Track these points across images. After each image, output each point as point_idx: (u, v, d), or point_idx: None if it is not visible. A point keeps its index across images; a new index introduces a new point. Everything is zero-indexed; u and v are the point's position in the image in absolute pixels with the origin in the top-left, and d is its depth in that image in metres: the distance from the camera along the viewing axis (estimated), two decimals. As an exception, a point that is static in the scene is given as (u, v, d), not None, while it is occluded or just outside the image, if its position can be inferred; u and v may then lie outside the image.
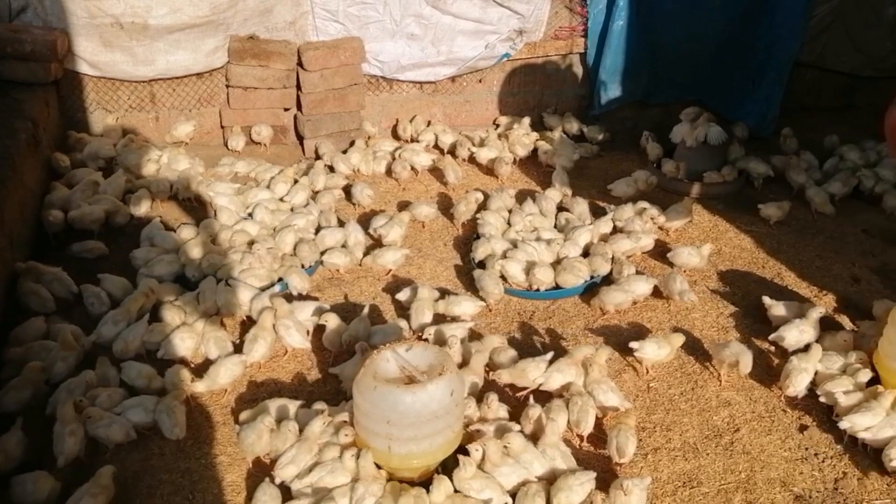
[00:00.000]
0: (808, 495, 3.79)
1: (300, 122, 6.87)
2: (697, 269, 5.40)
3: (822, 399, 4.19)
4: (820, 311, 4.62)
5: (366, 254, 5.43)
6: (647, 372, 4.53)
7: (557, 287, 5.17)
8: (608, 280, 5.21)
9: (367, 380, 3.43)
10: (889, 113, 3.56)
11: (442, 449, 3.52)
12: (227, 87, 6.71)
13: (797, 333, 4.50)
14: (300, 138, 6.97)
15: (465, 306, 4.79)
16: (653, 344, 4.45)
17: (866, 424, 3.90)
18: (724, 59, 7.44)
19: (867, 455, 3.99)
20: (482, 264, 5.27)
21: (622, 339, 4.79)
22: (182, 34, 6.22)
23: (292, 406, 3.96)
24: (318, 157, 6.72)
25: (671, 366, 4.59)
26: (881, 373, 4.18)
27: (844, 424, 3.94)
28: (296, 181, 6.14)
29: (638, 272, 5.23)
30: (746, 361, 4.33)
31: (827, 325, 4.70)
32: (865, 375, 4.19)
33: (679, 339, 4.54)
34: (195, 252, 5.06)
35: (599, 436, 4.01)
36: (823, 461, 3.97)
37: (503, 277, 5.17)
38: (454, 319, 4.76)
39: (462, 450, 3.62)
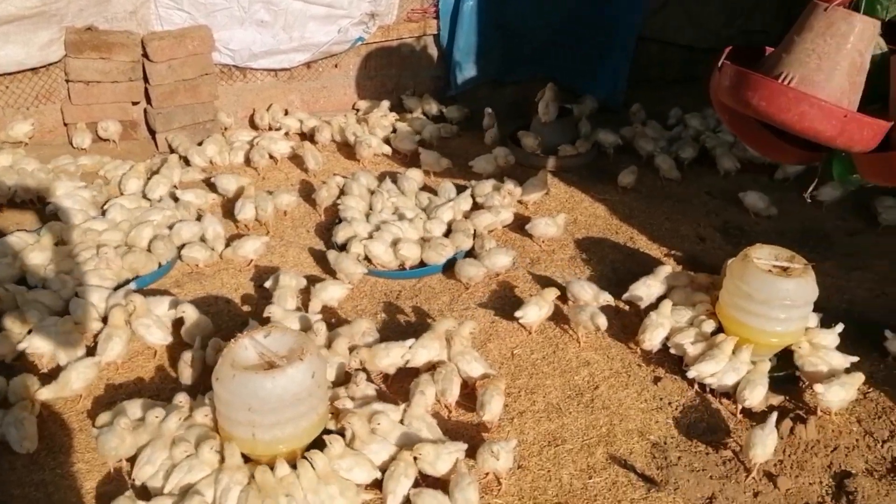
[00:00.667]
0: (663, 442, 4.01)
1: (150, 115, 6.61)
2: (555, 238, 5.59)
3: (672, 351, 4.44)
4: (667, 270, 4.89)
5: (226, 245, 5.30)
6: (530, 334, 4.73)
7: (422, 265, 5.22)
8: (471, 255, 5.31)
9: (226, 368, 3.36)
10: (711, 83, 3.79)
11: (308, 432, 3.51)
12: (68, 81, 6.36)
13: (645, 289, 4.74)
14: (152, 133, 6.71)
15: (334, 290, 4.76)
16: (533, 307, 4.64)
17: (711, 371, 4.17)
18: (572, 35, 7.70)
19: (715, 399, 4.27)
20: (344, 248, 5.25)
21: (487, 309, 4.91)
22: (10, 27, 5.84)
23: (152, 404, 3.83)
24: (172, 151, 6.49)
25: (533, 332, 4.74)
26: (723, 321, 4.46)
27: (692, 373, 4.20)
28: (150, 177, 5.90)
29: (498, 246, 5.36)
30: (602, 321, 4.53)
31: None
32: (710, 326, 4.46)
33: (553, 293, 4.73)
34: (36, 258, 4.78)
35: (472, 406, 4.10)
36: (676, 409, 4.21)
37: (368, 259, 5.18)
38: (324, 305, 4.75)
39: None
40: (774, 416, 3.73)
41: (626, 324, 4.79)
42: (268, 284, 4.85)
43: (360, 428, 3.58)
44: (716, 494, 3.71)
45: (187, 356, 4.14)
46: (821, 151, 4.02)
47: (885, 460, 3.93)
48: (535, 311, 4.64)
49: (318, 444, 3.54)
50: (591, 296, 4.74)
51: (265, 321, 4.37)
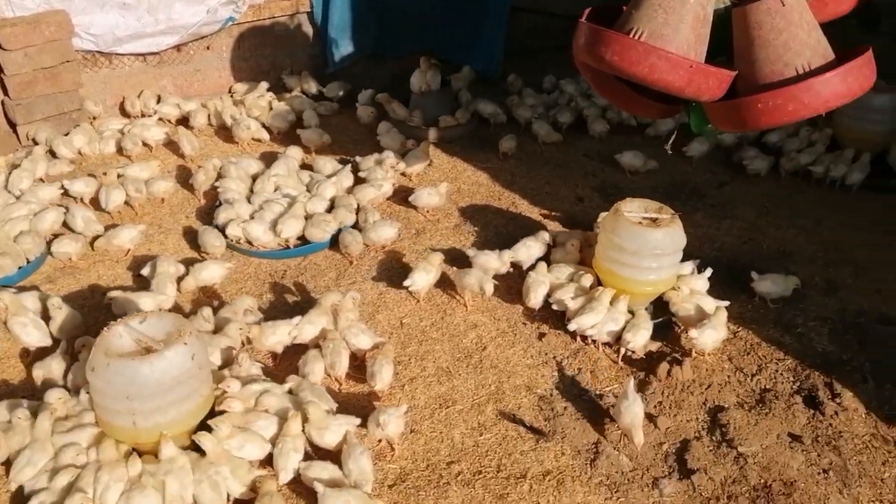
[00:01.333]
0: (549, 394, 4.14)
1: (9, 107, 6.25)
2: (438, 207, 5.65)
3: (555, 307, 4.58)
4: (545, 237, 5.01)
5: (99, 237, 5.11)
6: (419, 302, 4.78)
7: (306, 242, 5.18)
8: (357, 229, 5.29)
9: (99, 357, 3.26)
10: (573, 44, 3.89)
11: (192, 415, 3.45)
12: None
13: (526, 250, 4.86)
14: (12, 125, 6.35)
15: (213, 270, 4.67)
16: (422, 273, 4.68)
17: (591, 322, 4.32)
18: (447, 8, 7.74)
19: (597, 350, 4.43)
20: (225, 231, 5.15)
21: (375, 281, 4.92)
22: None
23: (16, 404, 3.64)
24: (36, 144, 6.17)
25: (420, 300, 4.79)
26: (600, 275, 4.62)
27: (573, 326, 4.34)
28: (12, 169, 5.61)
29: (383, 218, 5.37)
30: (489, 286, 4.62)
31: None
32: (588, 280, 4.62)
33: (438, 257, 4.80)
34: None
35: (363, 377, 4.12)
36: (561, 362, 4.35)
37: (249, 242, 5.11)
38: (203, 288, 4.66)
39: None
40: (632, 382, 3.82)
41: (511, 285, 4.89)
42: (145, 272, 4.71)
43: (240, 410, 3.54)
44: (600, 439, 3.87)
45: (55, 355, 3.98)
46: (679, 105, 4.21)
47: (754, 392, 4.19)
48: (424, 277, 4.69)
49: (206, 427, 3.48)
50: (499, 263, 4.82)
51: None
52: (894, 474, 3.74)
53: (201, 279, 4.64)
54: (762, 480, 3.67)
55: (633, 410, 3.73)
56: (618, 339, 4.31)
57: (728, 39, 3.70)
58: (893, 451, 3.86)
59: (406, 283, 4.68)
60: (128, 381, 3.22)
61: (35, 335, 4.13)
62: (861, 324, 4.71)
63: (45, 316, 4.24)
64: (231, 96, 7.18)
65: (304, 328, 4.21)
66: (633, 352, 4.32)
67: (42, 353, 4.10)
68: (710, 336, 4.26)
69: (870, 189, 6.17)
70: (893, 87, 6.24)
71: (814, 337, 4.60)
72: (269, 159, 6.09)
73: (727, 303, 4.53)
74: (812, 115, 3.52)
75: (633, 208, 4.49)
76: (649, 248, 4.32)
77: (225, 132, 6.66)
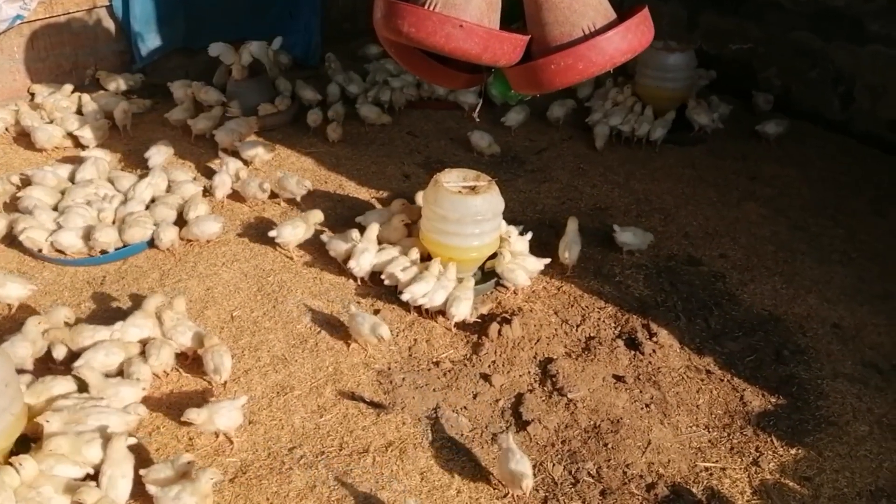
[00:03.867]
0: (387, 368, 4.18)
1: None
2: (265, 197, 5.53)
3: (387, 282, 4.61)
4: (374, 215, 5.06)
5: None
6: (293, 259, 4.93)
7: (124, 245, 4.94)
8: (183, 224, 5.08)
9: None
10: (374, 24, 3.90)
11: (5, 434, 3.22)
12: None
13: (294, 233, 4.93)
14: None
15: (11, 289, 4.34)
16: (288, 226, 4.85)
17: (422, 292, 4.39)
18: (259, -3, 7.57)
19: (431, 320, 4.51)
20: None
21: (202, 277, 4.77)
22: None
23: None
24: None
25: (250, 291, 4.69)
26: (428, 247, 4.70)
27: (405, 296, 4.40)
28: None
29: (207, 214, 5.19)
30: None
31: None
32: (415, 253, 4.69)
33: (317, 216, 5.02)
34: None
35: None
36: (398, 335, 4.40)
37: (61, 251, 4.82)
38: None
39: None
40: (510, 438, 3.52)
41: (340, 266, 4.87)
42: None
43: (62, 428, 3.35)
44: (439, 404, 3.95)
45: None
46: (482, 73, 4.33)
47: (579, 341, 4.42)
48: (290, 231, 4.84)
49: (24, 441, 3.28)
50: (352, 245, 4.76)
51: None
52: (707, 399, 4.07)
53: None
54: (591, 422, 3.89)
55: (522, 466, 3.37)
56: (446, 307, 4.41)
57: (520, 5, 3.84)
58: (706, 379, 4.19)
59: (272, 233, 4.85)
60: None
61: None
62: (672, 266, 5.07)
63: None
64: (30, 99, 6.68)
65: (128, 330, 4.03)
66: (462, 321, 4.44)
67: None
68: (521, 276, 4.61)
69: (673, 143, 6.61)
70: (685, 46, 6.71)
71: (631, 284, 4.91)
72: (78, 163, 5.71)
73: (548, 260, 4.75)
74: (601, 72, 3.72)
75: (451, 178, 4.59)
76: (471, 215, 4.44)
77: (26, 139, 6.20)
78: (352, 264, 4.62)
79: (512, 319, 4.42)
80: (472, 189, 4.53)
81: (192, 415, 3.52)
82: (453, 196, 4.43)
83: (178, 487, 3.15)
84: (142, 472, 3.29)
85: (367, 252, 4.61)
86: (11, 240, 4.94)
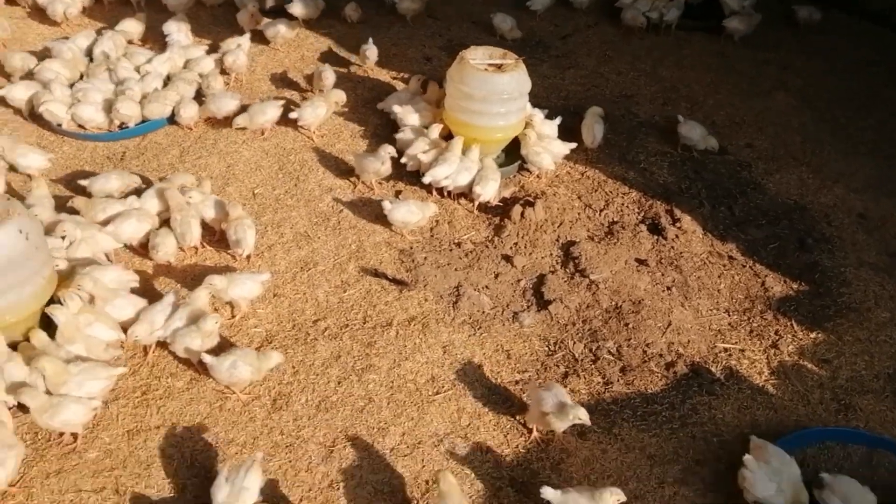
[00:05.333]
0: (409, 247, 4.19)
1: None
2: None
3: (409, 166, 4.55)
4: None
5: None
6: (313, 137, 4.88)
7: (144, 120, 4.88)
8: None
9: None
10: None
11: (35, 298, 3.26)
12: None
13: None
14: None
15: (31, 159, 4.33)
16: (308, 107, 4.75)
17: (445, 174, 4.34)
18: None
19: (453, 201, 4.49)
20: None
21: (222, 155, 4.73)
22: None
23: None
24: None
25: (272, 169, 4.66)
26: (451, 126, 4.62)
27: (427, 178, 4.36)
28: None
29: (224, 90, 5.10)
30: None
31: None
32: (436, 130, 4.60)
33: (339, 95, 4.93)
34: None
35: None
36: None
37: (81, 126, 4.77)
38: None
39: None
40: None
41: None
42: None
43: (101, 289, 3.39)
44: (461, 283, 3.97)
45: None
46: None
47: (602, 226, 4.39)
48: (311, 112, 4.73)
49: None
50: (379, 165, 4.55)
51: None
52: (728, 284, 4.07)
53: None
54: (613, 303, 3.91)
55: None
56: (472, 188, 4.37)
57: None
58: (727, 265, 4.18)
59: (292, 115, 4.72)
60: (-44, 266, 2.99)
61: None
62: (697, 155, 4.98)
63: None
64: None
65: (148, 201, 4.02)
66: (487, 202, 4.41)
67: None
68: (546, 159, 4.54)
69: (702, 31, 6.40)
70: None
71: (655, 171, 4.84)
72: (94, 38, 5.57)
73: (574, 145, 4.68)
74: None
75: (477, 56, 4.47)
76: (497, 93, 4.34)
77: (40, 13, 6.03)
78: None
79: (535, 202, 4.39)
80: (499, 67, 4.41)
81: (215, 280, 3.54)
82: (479, 73, 4.33)
83: (234, 357, 3.21)
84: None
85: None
86: (31, 113, 4.88)
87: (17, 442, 2.92)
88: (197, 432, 3.21)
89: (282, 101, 4.87)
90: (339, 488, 3.03)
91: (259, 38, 5.76)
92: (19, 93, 4.85)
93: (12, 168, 4.37)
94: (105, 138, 4.82)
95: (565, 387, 3.39)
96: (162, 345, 3.46)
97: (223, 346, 3.42)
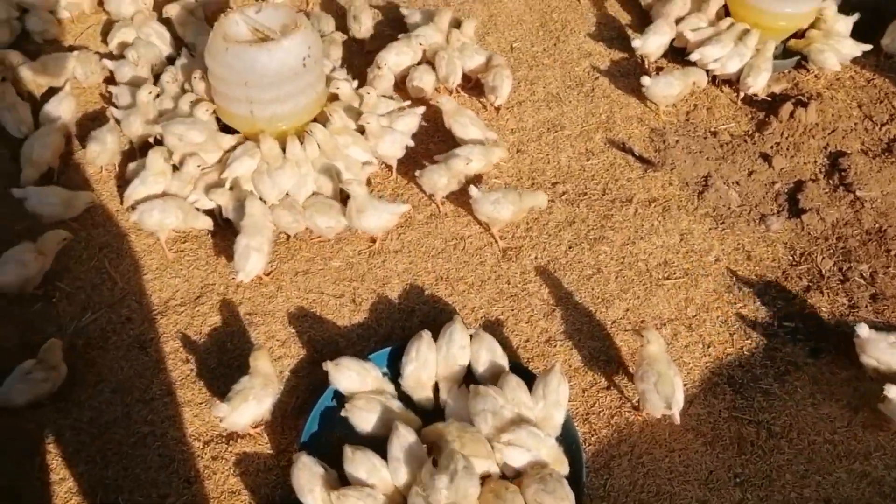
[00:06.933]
0: (662, 127, 4.02)
1: None
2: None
3: (675, 42, 4.28)
4: None
5: None
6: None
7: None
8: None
9: (218, 42, 3.25)
10: None
11: (307, 109, 3.47)
12: None
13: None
14: None
15: None
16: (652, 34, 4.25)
17: (716, 55, 4.06)
18: None
19: (716, 87, 4.21)
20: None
21: (489, 1, 4.70)
22: None
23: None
24: None
25: (533, 25, 4.57)
26: (731, 5, 4.27)
27: (695, 56, 4.09)
28: None
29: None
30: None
31: None
32: (717, 4, 4.27)
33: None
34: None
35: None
36: (676, 104, 4.15)
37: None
38: None
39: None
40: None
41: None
42: None
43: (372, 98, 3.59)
44: (711, 174, 3.78)
45: None
46: None
47: (881, 141, 3.96)
48: (657, 40, 4.21)
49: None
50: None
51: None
52: None
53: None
54: (877, 225, 3.57)
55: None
56: (739, 76, 4.06)
57: None
58: None
59: (635, 43, 4.18)
60: (247, 68, 3.22)
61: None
62: None
63: None
64: None
65: (426, 33, 4.09)
66: (755, 95, 4.09)
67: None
68: (763, 77, 4.01)
69: None
70: None
71: (957, 90, 4.26)
72: None
73: (869, 47, 4.18)
74: None
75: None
76: (790, -29, 3.93)
77: None
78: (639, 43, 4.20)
79: (808, 103, 4.02)
80: (803, -52, 3.97)
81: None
82: (778, -50, 3.92)
83: (499, 194, 3.30)
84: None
85: (663, 35, 4.21)
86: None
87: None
88: (431, 263, 3.37)
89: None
90: (555, 345, 3.10)
91: None
92: None
93: (294, -14, 4.61)
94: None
95: (806, 302, 3.20)
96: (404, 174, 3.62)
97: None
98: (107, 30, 4.46)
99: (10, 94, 3.77)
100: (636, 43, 4.16)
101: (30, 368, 2.80)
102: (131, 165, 3.50)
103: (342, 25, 4.38)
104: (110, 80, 4.10)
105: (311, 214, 3.28)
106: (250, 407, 2.64)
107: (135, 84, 3.82)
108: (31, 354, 2.88)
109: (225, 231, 3.44)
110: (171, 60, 4.06)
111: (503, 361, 2.81)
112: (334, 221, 3.28)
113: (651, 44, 4.17)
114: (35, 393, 2.79)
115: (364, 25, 4.27)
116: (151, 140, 3.63)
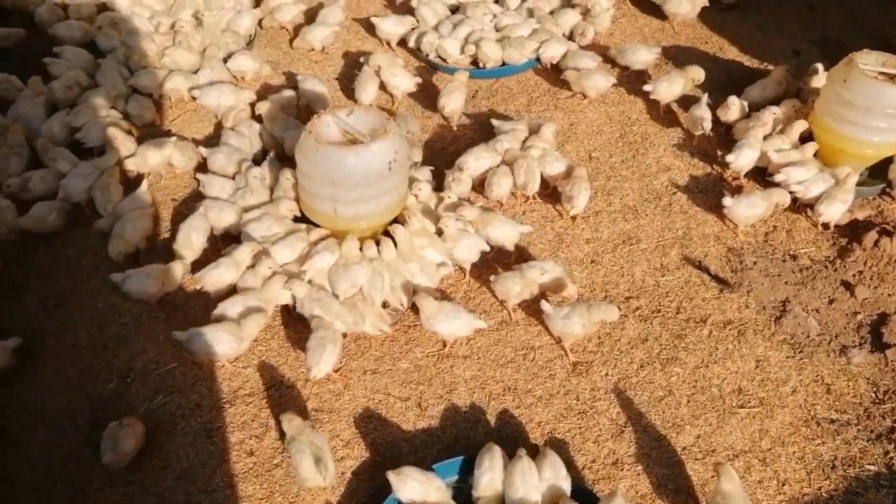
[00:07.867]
0: (740, 248, 3.97)
1: None
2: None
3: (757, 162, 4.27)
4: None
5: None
6: (660, 112, 4.76)
7: (503, 64, 5.05)
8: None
9: (309, 142, 3.37)
10: None
11: (389, 210, 3.55)
12: None
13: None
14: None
15: (400, 79, 4.71)
16: (664, 82, 4.62)
17: (800, 178, 4.03)
18: None
19: (796, 211, 4.16)
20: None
21: (566, 112, 4.78)
22: None
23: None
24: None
25: (612, 136, 4.63)
26: (816, 130, 4.25)
27: (779, 177, 4.05)
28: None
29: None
30: (706, 119, 4.39)
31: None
32: (801, 126, 4.26)
33: (698, 73, 4.73)
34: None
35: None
36: (755, 225, 4.09)
37: (442, 58, 5.07)
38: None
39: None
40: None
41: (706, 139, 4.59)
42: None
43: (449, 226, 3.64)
44: (790, 299, 3.70)
45: None
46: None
47: (972, 279, 3.84)
48: (666, 87, 4.60)
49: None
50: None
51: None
52: None
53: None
54: (968, 368, 3.42)
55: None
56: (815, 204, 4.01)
57: None
58: None
59: (647, 87, 4.63)
60: (333, 168, 3.33)
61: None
62: None
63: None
64: None
65: (502, 141, 4.19)
66: (826, 225, 4.03)
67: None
68: (838, 209, 3.94)
69: None
70: None
71: None
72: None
73: (959, 180, 4.11)
74: None
75: (869, 61, 4.04)
76: (882, 106, 3.90)
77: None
78: (731, 157, 4.20)
79: (894, 233, 3.93)
80: (892, 78, 3.96)
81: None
82: (868, 81, 3.91)
83: (569, 309, 3.30)
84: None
85: (750, 149, 4.18)
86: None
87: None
88: (499, 372, 3.35)
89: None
90: (622, 468, 3.01)
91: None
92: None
93: (382, 86, 4.77)
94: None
95: (892, 444, 3.06)
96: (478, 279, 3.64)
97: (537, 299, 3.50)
98: (199, 118, 4.70)
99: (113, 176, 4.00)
100: (730, 157, 4.17)
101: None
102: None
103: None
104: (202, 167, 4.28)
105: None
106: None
107: (223, 174, 4.01)
108: (100, 434, 2.95)
109: (297, 323, 3.50)
110: (257, 159, 4.22)
111: (566, 483, 2.75)
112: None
113: (744, 158, 4.17)
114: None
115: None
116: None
